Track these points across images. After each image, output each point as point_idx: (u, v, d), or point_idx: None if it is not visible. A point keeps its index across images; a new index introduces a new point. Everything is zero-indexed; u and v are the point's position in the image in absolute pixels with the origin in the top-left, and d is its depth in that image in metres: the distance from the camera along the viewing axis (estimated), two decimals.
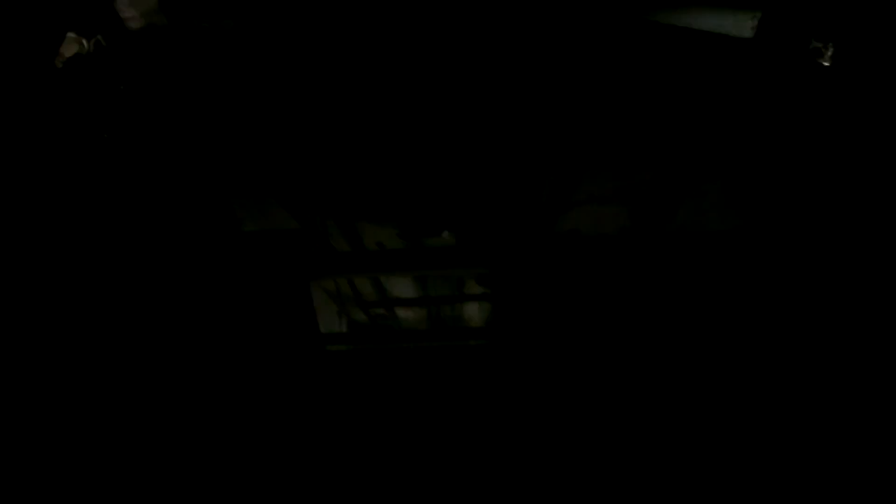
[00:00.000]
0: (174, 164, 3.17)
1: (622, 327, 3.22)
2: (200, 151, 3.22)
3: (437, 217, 3.54)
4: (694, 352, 3.16)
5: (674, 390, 3.12)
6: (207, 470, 3.07)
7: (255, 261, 3.44)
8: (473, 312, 4.86)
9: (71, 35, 2.62)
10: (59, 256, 3.04)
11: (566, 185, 3.59)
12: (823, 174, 3.09)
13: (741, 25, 3.01)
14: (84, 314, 3.06)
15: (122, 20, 2.53)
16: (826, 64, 3.00)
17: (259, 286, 3.45)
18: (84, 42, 2.63)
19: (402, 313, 4.88)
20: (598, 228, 3.65)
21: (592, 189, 3.66)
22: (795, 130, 3.18)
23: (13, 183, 2.79)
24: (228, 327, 3.31)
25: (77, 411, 2.99)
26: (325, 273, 3.60)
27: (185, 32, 2.55)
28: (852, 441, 2.90)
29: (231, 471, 3.07)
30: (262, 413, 3.20)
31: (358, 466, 3.18)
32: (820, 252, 3.06)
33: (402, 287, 4.52)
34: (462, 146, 3.36)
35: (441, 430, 3.22)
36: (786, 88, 3.12)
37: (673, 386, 3.12)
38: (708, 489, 2.94)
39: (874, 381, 2.92)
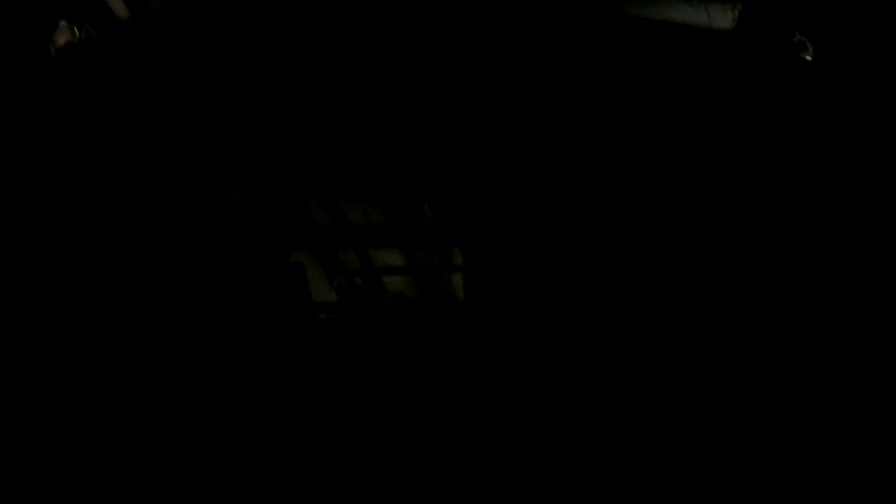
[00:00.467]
0: (163, 142, 3.29)
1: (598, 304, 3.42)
2: (187, 131, 3.34)
3: (417, 193, 3.69)
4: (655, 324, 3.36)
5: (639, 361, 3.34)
6: (202, 437, 3.32)
7: (240, 232, 3.62)
8: (461, 282, 5.06)
9: (63, 24, 2.71)
10: (52, 230, 3.21)
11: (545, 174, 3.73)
12: (806, 167, 3.19)
13: (720, 16, 3.06)
14: (76, 285, 3.24)
15: (110, 10, 2.62)
16: (809, 58, 3.05)
17: (247, 257, 3.64)
18: (76, 30, 2.72)
19: (389, 280, 5.08)
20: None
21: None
22: (776, 124, 3.26)
23: (6, 163, 2.93)
24: (219, 297, 3.51)
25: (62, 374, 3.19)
26: (305, 246, 3.78)
27: (169, 21, 2.65)
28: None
29: (224, 437, 3.33)
30: (255, 380, 3.44)
31: (349, 432, 3.45)
32: (808, 246, 3.18)
33: (388, 256, 4.71)
34: (442, 127, 3.47)
35: (425, 397, 3.46)
36: (767, 81, 3.18)
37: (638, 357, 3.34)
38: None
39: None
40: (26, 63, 2.83)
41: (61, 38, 2.80)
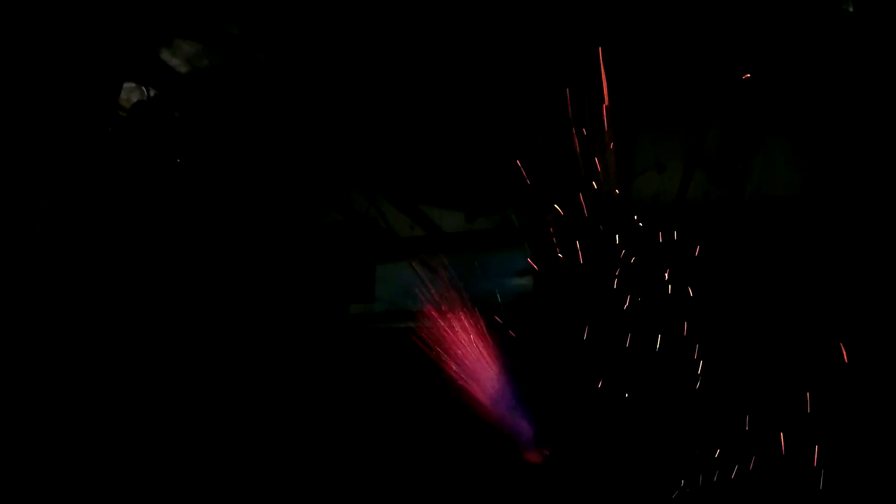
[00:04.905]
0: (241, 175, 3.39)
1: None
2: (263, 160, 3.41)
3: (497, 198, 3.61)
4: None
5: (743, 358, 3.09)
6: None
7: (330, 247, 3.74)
8: None
9: (130, 84, 2.81)
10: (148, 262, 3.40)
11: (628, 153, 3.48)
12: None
13: None
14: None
15: (170, 67, 2.67)
16: None
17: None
18: (143, 89, 2.82)
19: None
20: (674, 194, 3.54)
21: (656, 151, 3.53)
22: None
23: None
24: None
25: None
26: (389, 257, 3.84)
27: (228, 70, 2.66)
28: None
29: None
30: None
31: None
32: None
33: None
34: (520, 127, 3.32)
35: None
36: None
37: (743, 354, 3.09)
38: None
39: None
40: (97, 119, 2.98)
41: (133, 97, 2.92)
